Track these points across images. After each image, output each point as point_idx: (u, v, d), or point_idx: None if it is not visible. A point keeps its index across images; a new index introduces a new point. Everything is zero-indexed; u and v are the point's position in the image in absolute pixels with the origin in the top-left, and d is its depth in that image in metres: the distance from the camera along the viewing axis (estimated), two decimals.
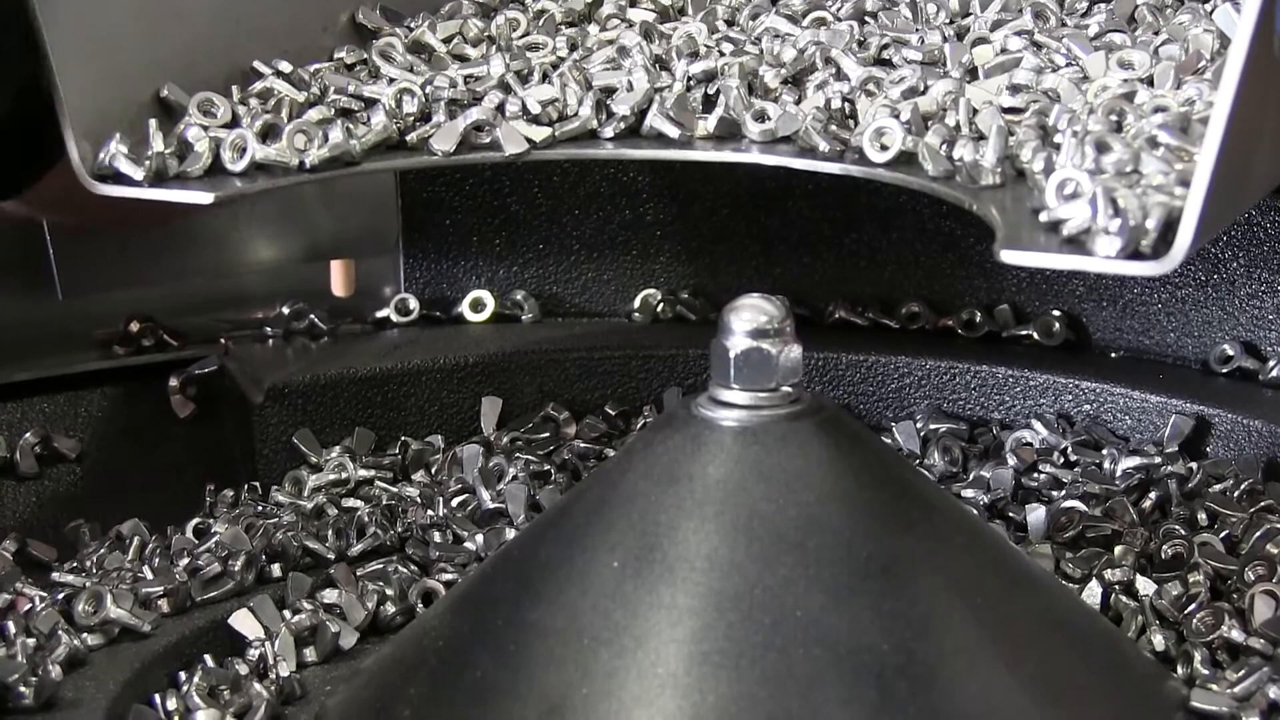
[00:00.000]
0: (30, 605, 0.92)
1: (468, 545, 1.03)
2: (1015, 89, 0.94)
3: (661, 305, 1.28)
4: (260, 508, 1.08)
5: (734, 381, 0.80)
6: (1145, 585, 0.93)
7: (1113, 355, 1.21)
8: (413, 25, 1.08)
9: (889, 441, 1.14)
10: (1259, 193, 0.96)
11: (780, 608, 0.75)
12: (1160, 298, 1.20)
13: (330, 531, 1.02)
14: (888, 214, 1.25)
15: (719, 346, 0.80)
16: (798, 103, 0.97)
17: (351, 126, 0.96)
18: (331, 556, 1.01)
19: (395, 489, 1.11)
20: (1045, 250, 0.78)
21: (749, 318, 0.79)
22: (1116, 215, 0.76)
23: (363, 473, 1.12)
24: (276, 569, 0.98)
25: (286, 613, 0.95)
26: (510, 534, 1.03)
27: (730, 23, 1.06)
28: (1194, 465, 1.06)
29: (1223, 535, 0.97)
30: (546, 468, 1.11)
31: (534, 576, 0.80)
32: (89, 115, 0.92)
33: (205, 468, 1.19)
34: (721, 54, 1.01)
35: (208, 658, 0.90)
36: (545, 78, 1.00)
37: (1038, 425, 1.13)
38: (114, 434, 1.21)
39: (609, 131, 0.98)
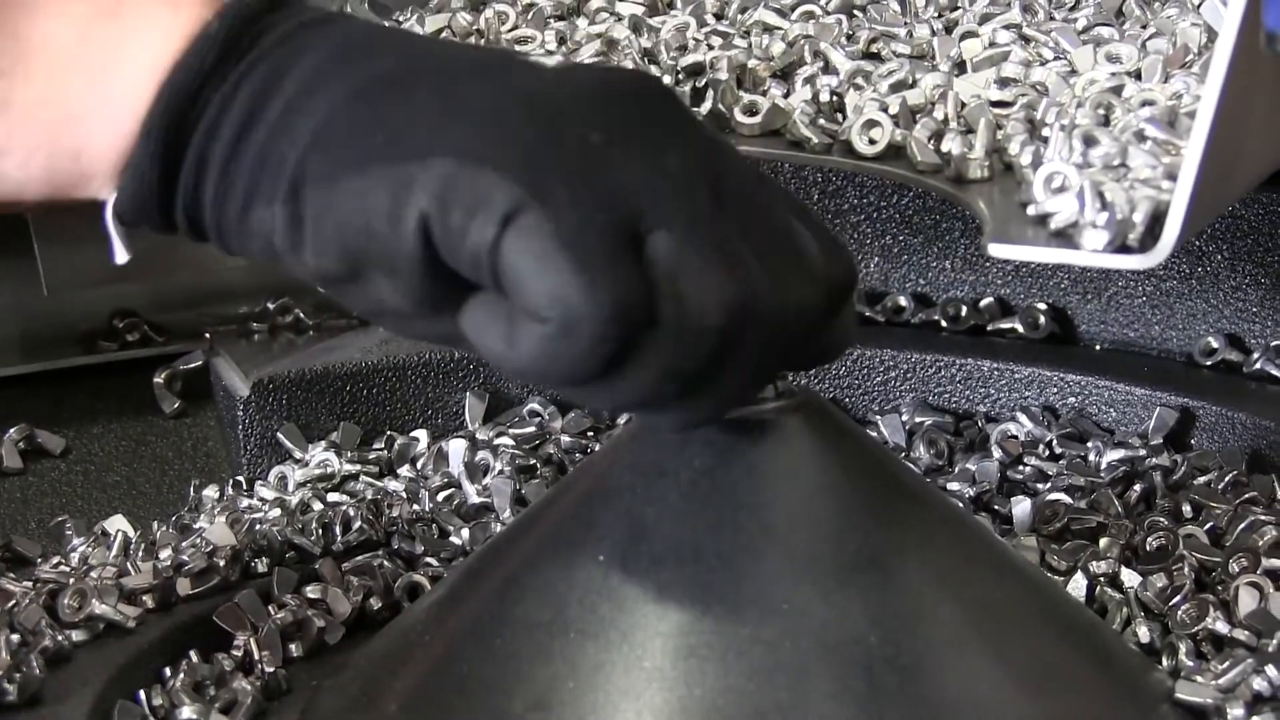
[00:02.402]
0: (14, 601, 0.91)
1: (453, 540, 1.03)
2: (1003, 82, 0.95)
3: None
4: (245, 503, 1.08)
5: None
6: (1130, 577, 0.93)
7: (1098, 348, 1.21)
8: (401, 19, 1.08)
9: (875, 435, 1.14)
10: (1245, 186, 0.96)
11: (767, 600, 0.75)
12: (1145, 290, 1.20)
13: (316, 526, 1.02)
14: (874, 207, 1.25)
15: None
16: (786, 96, 0.97)
17: None
18: (317, 551, 1.00)
19: (381, 484, 1.10)
20: (1033, 244, 0.78)
21: None
22: (1104, 209, 0.76)
23: (348, 467, 1.12)
24: (262, 564, 0.98)
25: (272, 608, 0.94)
26: (496, 528, 1.03)
27: (719, 16, 1.06)
28: (1179, 457, 1.07)
29: (1207, 527, 0.97)
30: (532, 462, 1.11)
31: (520, 570, 0.80)
32: None
33: (190, 463, 1.19)
34: (710, 47, 1.01)
35: (193, 653, 0.89)
36: None
37: (1023, 418, 1.13)
38: (99, 429, 1.21)
39: None
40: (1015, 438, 1.12)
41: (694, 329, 0.70)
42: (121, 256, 0.79)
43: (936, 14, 1.04)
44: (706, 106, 0.96)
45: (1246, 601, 0.88)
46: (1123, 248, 0.75)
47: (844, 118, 0.94)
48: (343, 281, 0.74)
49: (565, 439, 1.14)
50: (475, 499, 1.07)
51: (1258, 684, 0.81)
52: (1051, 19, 1.01)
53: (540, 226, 0.69)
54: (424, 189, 0.70)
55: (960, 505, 1.01)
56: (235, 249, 0.77)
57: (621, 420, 1.18)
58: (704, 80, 0.98)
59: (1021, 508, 1.02)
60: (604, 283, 0.68)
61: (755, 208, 0.73)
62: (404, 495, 1.08)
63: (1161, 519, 0.98)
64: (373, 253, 0.72)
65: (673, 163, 0.71)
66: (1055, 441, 1.11)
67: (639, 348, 0.70)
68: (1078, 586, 0.93)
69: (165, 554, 0.97)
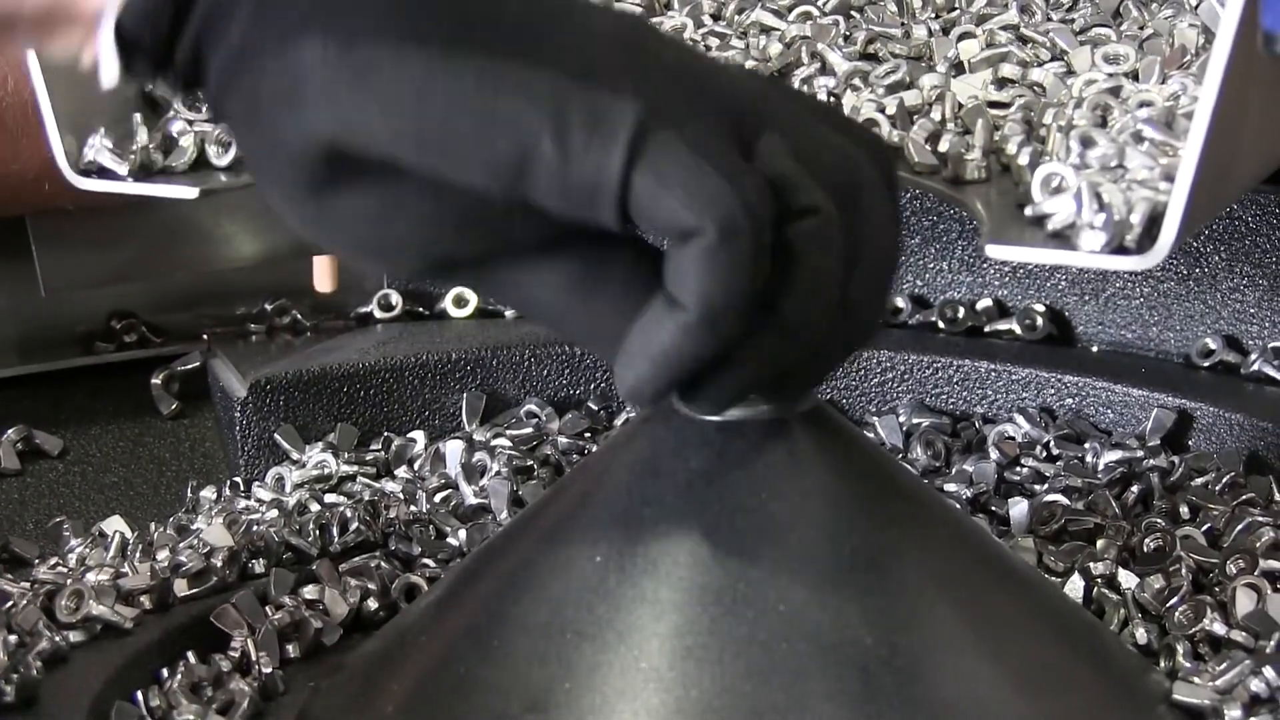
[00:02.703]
0: (11, 602, 0.91)
1: (450, 541, 1.03)
2: (1001, 83, 0.94)
3: None
4: (243, 504, 1.08)
5: None
6: (1127, 578, 0.93)
7: (1095, 349, 1.21)
8: None
9: (872, 436, 1.14)
10: (1243, 187, 0.97)
11: (763, 601, 0.75)
12: (1142, 292, 1.20)
13: (313, 527, 1.02)
14: None
15: None
16: None
17: None
18: (314, 552, 1.00)
19: (378, 485, 1.10)
20: (1030, 245, 0.78)
21: None
22: (1101, 210, 0.76)
23: (345, 468, 1.12)
24: (259, 565, 0.98)
25: (269, 609, 0.94)
26: (493, 529, 1.03)
27: (716, 17, 1.06)
28: (1176, 459, 1.07)
29: (1204, 528, 0.97)
30: (529, 463, 1.11)
31: (516, 571, 0.80)
32: (73, 109, 0.91)
33: (188, 464, 1.19)
34: (708, 48, 1.01)
35: (190, 654, 0.89)
36: None
37: (1020, 419, 1.13)
38: (96, 430, 1.21)
39: None
40: (1012, 439, 1.12)
41: (840, 199, 0.69)
42: (110, 77, 0.72)
43: (934, 15, 1.04)
44: None
45: (1244, 603, 0.88)
46: (1120, 249, 0.75)
47: None
48: (350, 159, 0.69)
49: (562, 440, 1.14)
50: (472, 500, 1.07)
51: (1255, 685, 0.81)
52: (1049, 20, 1.01)
53: (673, 141, 0.66)
54: (535, 97, 0.67)
55: (957, 506, 1.01)
56: (236, 92, 0.70)
57: (619, 421, 1.18)
58: None
59: (1019, 509, 1.02)
60: (746, 180, 0.67)
61: (816, 101, 0.73)
62: (401, 496, 1.08)
63: (1159, 520, 0.98)
64: (442, 140, 0.68)
65: (743, 72, 0.71)
66: (1053, 443, 1.11)
67: (794, 249, 0.68)
68: (1075, 587, 0.93)
69: (163, 555, 0.97)
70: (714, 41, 1.02)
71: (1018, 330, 1.22)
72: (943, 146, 0.89)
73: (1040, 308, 1.22)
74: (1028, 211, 0.79)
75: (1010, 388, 1.17)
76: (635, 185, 0.67)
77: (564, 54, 0.68)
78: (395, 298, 1.28)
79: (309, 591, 0.96)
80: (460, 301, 1.28)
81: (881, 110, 0.92)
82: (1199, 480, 1.04)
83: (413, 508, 1.06)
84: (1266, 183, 0.94)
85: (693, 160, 0.66)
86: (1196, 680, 0.82)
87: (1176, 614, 0.89)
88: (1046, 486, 1.05)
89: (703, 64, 0.71)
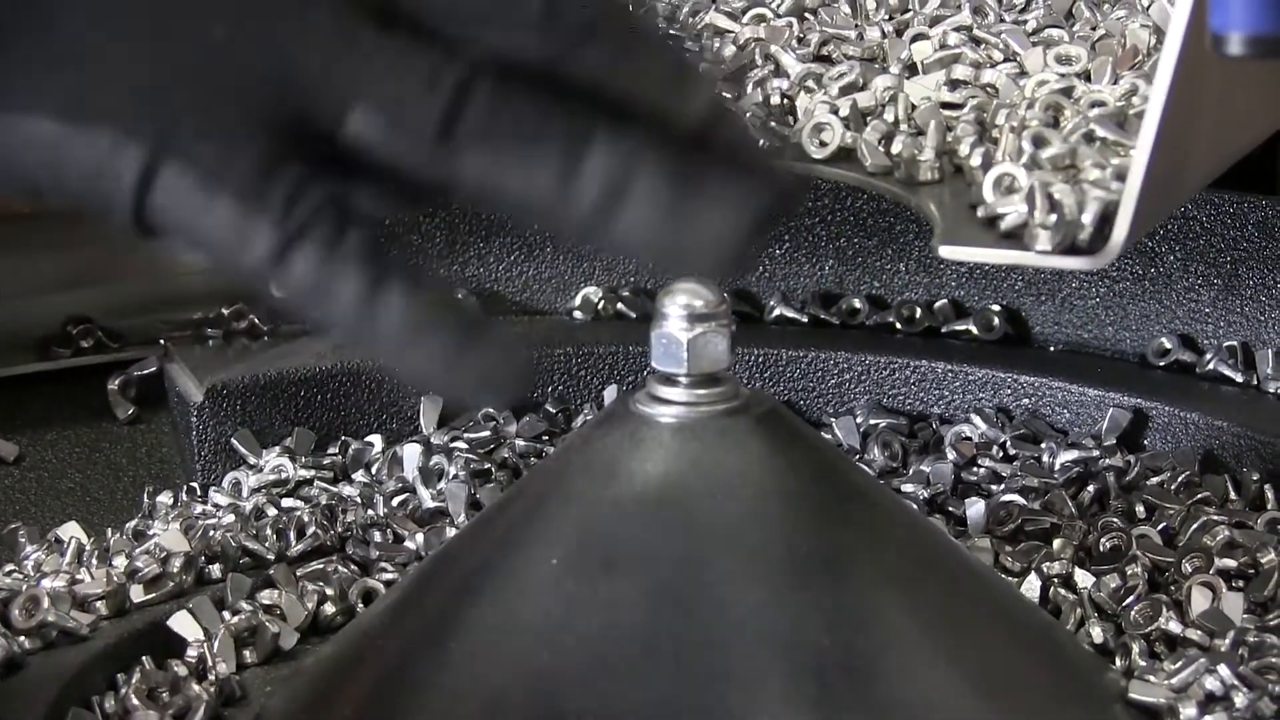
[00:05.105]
0: None
1: (408, 544, 1.03)
2: (954, 84, 0.95)
3: (602, 303, 1.28)
4: (199, 509, 1.07)
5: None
6: (1084, 578, 0.93)
7: (1051, 350, 1.22)
8: None
9: (829, 437, 1.14)
10: (1195, 186, 0.97)
11: (719, 604, 0.75)
12: (1098, 292, 1.20)
13: (270, 532, 1.02)
14: (828, 210, 1.26)
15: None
16: (737, 99, 0.97)
17: None
18: (271, 557, 1.00)
19: (335, 489, 1.10)
20: (982, 245, 0.78)
21: (684, 301, 0.78)
22: (1053, 210, 0.76)
23: (302, 473, 1.12)
24: (216, 570, 0.98)
25: (226, 614, 0.94)
26: (451, 533, 1.03)
27: (670, 20, 1.06)
28: (1132, 458, 1.07)
29: (1160, 527, 0.98)
30: (487, 466, 1.11)
31: (473, 575, 0.79)
32: None
33: (144, 469, 1.19)
34: None
35: (146, 660, 0.89)
36: None
37: (977, 420, 1.13)
38: (52, 436, 1.20)
39: None
40: (969, 439, 1.12)
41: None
42: None
43: (887, 16, 1.04)
44: None
45: (1199, 601, 0.89)
46: (1072, 248, 0.76)
47: (794, 121, 0.94)
48: None
49: (520, 443, 1.14)
50: (430, 504, 1.07)
51: (1210, 684, 0.82)
52: (1002, 21, 1.01)
53: (180, 181, 0.59)
54: (31, 151, 0.60)
55: (914, 507, 1.01)
56: None
57: (577, 423, 1.18)
58: None
59: (975, 509, 1.02)
60: (268, 217, 0.59)
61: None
62: (358, 500, 1.08)
63: (1115, 520, 0.98)
64: None
65: (328, 21, 0.59)
66: (1009, 443, 1.11)
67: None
68: (1031, 587, 0.93)
69: (119, 560, 0.97)
70: None
71: (975, 331, 1.22)
72: (896, 148, 0.89)
73: (997, 308, 1.22)
74: (980, 212, 0.80)
75: (967, 388, 1.17)
76: (155, 224, 0.62)
77: (68, 86, 0.59)
78: None
79: (266, 596, 0.96)
80: None
81: (835, 112, 0.92)
82: (1155, 479, 1.04)
83: (370, 512, 1.06)
84: (1220, 183, 0.95)
85: (204, 200, 0.59)
86: (1152, 679, 0.83)
87: (1132, 613, 0.89)
88: (1003, 487, 1.05)
89: (268, 25, 0.59)
